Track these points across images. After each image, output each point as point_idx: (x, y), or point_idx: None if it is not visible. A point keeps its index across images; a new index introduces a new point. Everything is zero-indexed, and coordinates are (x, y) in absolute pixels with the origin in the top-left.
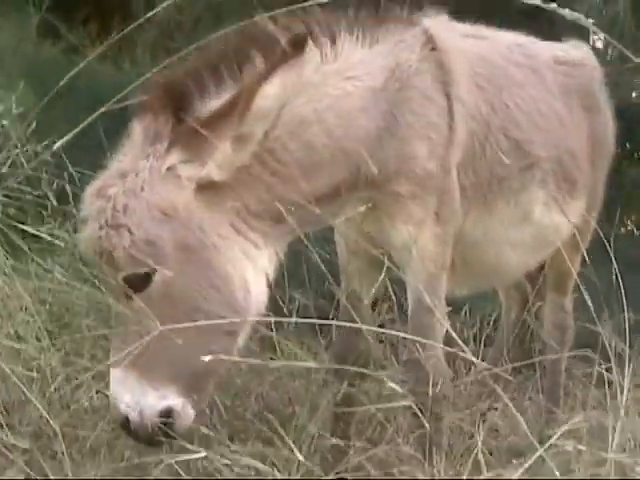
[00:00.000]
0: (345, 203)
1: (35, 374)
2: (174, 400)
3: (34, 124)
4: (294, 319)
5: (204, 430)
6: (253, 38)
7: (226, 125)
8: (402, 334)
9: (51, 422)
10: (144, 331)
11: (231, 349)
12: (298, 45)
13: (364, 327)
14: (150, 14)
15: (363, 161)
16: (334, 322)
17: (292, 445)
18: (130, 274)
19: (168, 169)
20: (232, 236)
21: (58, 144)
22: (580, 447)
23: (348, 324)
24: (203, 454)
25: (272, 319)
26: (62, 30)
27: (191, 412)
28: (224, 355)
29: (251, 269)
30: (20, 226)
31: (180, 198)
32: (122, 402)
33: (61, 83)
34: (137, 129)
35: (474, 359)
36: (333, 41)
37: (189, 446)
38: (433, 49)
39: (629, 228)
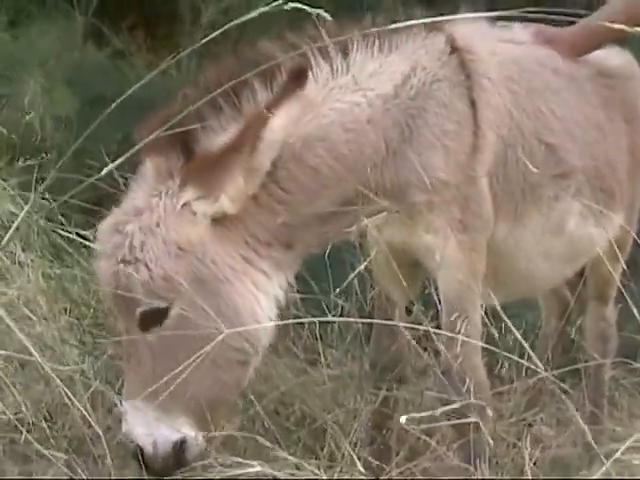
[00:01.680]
0: (360, 215)
1: (79, 377)
2: (187, 431)
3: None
4: (333, 319)
5: (259, 439)
6: (250, 62)
7: (237, 160)
8: (436, 330)
9: (94, 426)
10: (159, 364)
11: (243, 379)
12: (300, 76)
13: (399, 325)
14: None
15: (373, 175)
16: (369, 321)
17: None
18: (147, 309)
19: (183, 206)
20: (242, 267)
21: (107, 169)
22: None
23: (384, 322)
24: (258, 468)
25: (313, 320)
26: (108, 35)
27: (202, 441)
28: (236, 385)
29: (261, 299)
30: (63, 230)
31: (195, 233)
32: (136, 433)
33: (126, 94)
34: (149, 167)
35: (523, 362)
36: (345, 53)
37: (242, 460)
38: (455, 54)
39: None
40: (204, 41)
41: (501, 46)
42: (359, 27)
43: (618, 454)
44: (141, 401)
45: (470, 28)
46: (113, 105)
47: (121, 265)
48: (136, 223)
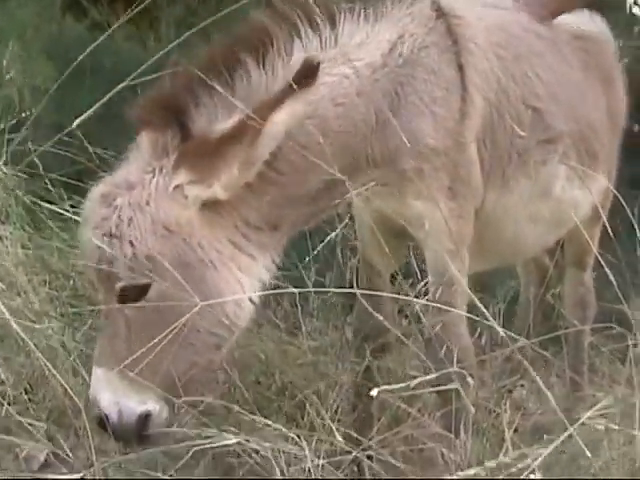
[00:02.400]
0: (349, 188)
1: (59, 349)
2: (153, 405)
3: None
4: (313, 289)
5: (236, 408)
6: (242, 39)
7: (234, 151)
8: (422, 301)
9: (74, 397)
10: (134, 338)
11: (216, 361)
12: (309, 73)
13: (382, 295)
14: None
15: (364, 147)
16: (353, 290)
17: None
18: (127, 285)
19: (175, 187)
20: (230, 252)
21: (77, 122)
22: (611, 426)
23: (368, 292)
24: (235, 440)
25: (294, 290)
26: (87, 7)
27: (166, 416)
28: (208, 366)
29: (245, 283)
30: (42, 203)
31: (184, 216)
32: (103, 400)
33: (81, 57)
34: (144, 141)
35: (502, 331)
36: (333, 24)
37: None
38: (442, 20)
39: None
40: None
41: (486, 11)
42: None
43: (584, 419)
44: (112, 370)
45: None
46: (71, 67)
47: (106, 238)
48: (126, 197)
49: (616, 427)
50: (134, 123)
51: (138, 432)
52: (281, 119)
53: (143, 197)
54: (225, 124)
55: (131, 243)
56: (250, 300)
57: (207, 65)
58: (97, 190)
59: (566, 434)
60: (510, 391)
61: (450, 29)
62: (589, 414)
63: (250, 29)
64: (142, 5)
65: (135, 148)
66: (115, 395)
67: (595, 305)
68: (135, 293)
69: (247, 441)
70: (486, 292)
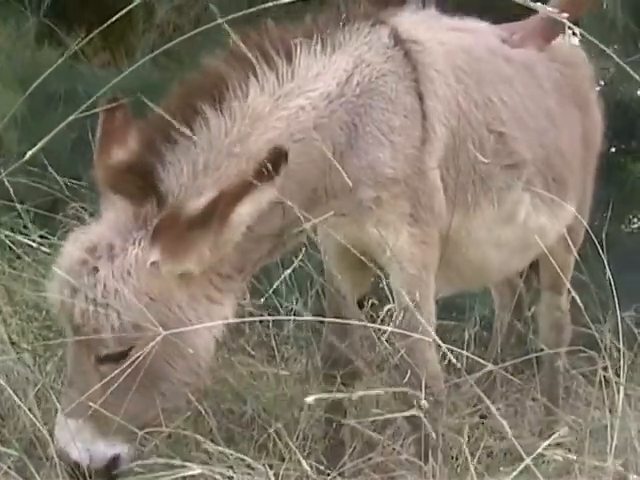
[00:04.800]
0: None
1: (30, 379)
2: (122, 448)
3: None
4: (286, 317)
5: (201, 439)
6: (196, 87)
7: (203, 235)
8: (388, 328)
9: (42, 430)
10: (106, 391)
11: (184, 404)
12: (277, 161)
13: (350, 323)
14: None
15: (322, 182)
16: (318, 318)
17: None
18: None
19: (152, 264)
20: (205, 307)
21: (30, 153)
22: (570, 456)
23: (337, 321)
24: (198, 470)
25: (267, 318)
26: (62, 36)
27: (133, 453)
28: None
29: (215, 329)
30: (8, 234)
31: (163, 285)
32: (74, 450)
33: (36, 83)
34: (122, 209)
35: (467, 355)
36: (289, 59)
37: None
38: (399, 47)
39: (635, 225)
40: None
41: (450, 35)
42: (302, 29)
43: (540, 450)
44: (81, 420)
45: (416, 18)
46: (27, 93)
47: (91, 307)
48: (109, 267)
49: (574, 457)
50: (104, 185)
51: (109, 473)
52: (246, 212)
53: (125, 268)
54: (195, 204)
55: (118, 313)
56: (217, 340)
57: (164, 120)
58: (73, 251)
59: (522, 466)
60: (484, 416)
61: (409, 56)
62: (544, 445)
63: (203, 76)
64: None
65: (107, 209)
66: (85, 443)
67: (570, 328)
68: (117, 356)
69: (211, 471)
70: (461, 316)
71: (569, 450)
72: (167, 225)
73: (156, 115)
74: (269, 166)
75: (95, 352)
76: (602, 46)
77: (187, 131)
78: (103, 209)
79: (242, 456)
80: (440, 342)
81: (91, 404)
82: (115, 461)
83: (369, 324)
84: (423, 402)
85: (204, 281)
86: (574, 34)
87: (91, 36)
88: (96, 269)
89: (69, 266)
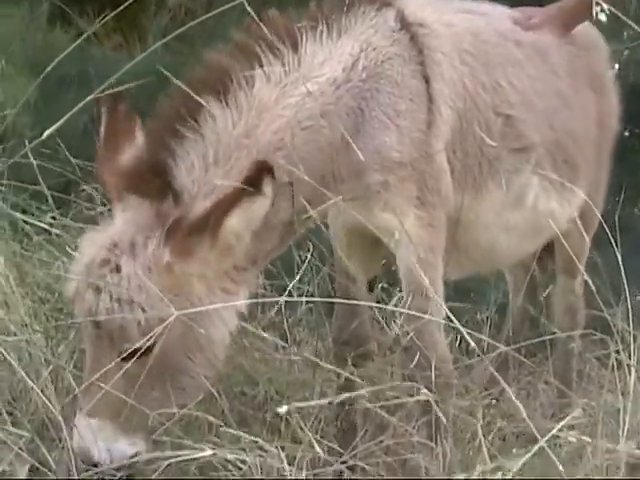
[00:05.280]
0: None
1: (43, 361)
2: (142, 446)
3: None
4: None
5: (213, 421)
6: (200, 81)
7: (199, 244)
8: (397, 309)
9: (54, 411)
10: (131, 388)
11: (197, 398)
12: (257, 177)
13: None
14: None
15: (330, 168)
16: (332, 300)
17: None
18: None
19: (166, 263)
20: (221, 299)
21: (46, 133)
22: (585, 438)
23: (346, 302)
24: (210, 452)
25: (276, 299)
26: (74, 18)
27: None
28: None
29: (230, 321)
30: (20, 215)
31: (184, 279)
32: (96, 450)
33: (50, 66)
34: (140, 207)
35: (471, 342)
36: (295, 47)
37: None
38: (406, 30)
39: None
40: None
41: (458, 17)
42: (306, 15)
43: (554, 431)
44: (103, 419)
45: (422, 0)
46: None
47: (116, 304)
48: (131, 264)
49: (589, 439)
50: (115, 187)
51: (127, 469)
52: (235, 222)
53: (146, 264)
54: (198, 209)
55: (142, 309)
56: (231, 332)
57: (171, 115)
58: (94, 251)
59: (536, 447)
60: (497, 399)
61: (415, 39)
62: (559, 426)
63: (207, 69)
64: (117, 11)
65: (125, 209)
66: (106, 442)
67: (584, 311)
68: (139, 351)
69: (223, 453)
70: (474, 299)
71: (582, 433)
72: (174, 228)
73: (161, 111)
74: (251, 181)
75: (119, 348)
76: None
77: (194, 124)
78: (117, 210)
79: (254, 438)
80: (456, 321)
81: (110, 401)
82: (134, 457)
83: (377, 305)
84: (423, 390)
85: (221, 273)
86: (602, 11)
87: (105, 19)
88: (119, 267)
89: (90, 265)
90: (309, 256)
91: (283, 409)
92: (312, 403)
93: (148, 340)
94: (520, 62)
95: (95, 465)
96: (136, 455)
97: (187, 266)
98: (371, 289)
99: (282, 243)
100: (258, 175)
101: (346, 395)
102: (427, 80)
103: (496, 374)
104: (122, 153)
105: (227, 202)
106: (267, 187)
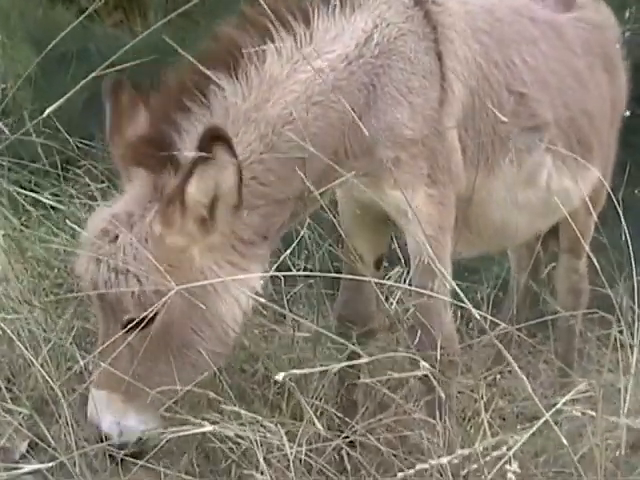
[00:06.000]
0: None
1: (42, 336)
2: (153, 423)
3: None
4: (299, 273)
5: (213, 397)
6: (210, 55)
7: (172, 214)
8: (404, 286)
9: (54, 387)
10: (137, 362)
11: (206, 372)
12: (209, 143)
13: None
14: None
15: (342, 143)
16: (337, 275)
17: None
18: (134, 317)
19: (159, 235)
20: (228, 273)
21: (48, 111)
22: (589, 412)
23: (352, 277)
24: (210, 427)
25: (278, 274)
26: None
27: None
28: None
29: (242, 298)
30: (21, 191)
31: (181, 252)
32: (104, 422)
33: (52, 44)
34: (142, 179)
35: (478, 316)
36: (307, 22)
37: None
38: (420, 7)
39: None
40: None
41: None
42: None
43: (559, 405)
44: (113, 392)
45: None
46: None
47: (112, 274)
48: (127, 234)
49: (593, 413)
50: (124, 161)
51: (137, 445)
52: (195, 190)
53: (142, 235)
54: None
55: (138, 279)
56: (245, 312)
57: (179, 88)
58: (96, 223)
59: (541, 421)
60: (495, 378)
61: (428, 16)
62: (564, 400)
63: (217, 43)
64: None
65: (131, 182)
66: (115, 416)
67: (588, 291)
68: (141, 323)
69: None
70: (476, 278)
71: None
72: (164, 200)
73: (167, 85)
74: (202, 148)
75: (120, 320)
76: None
77: (202, 98)
78: (126, 184)
79: (254, 415)
80: (465, 299)
81: (119, 373)
82: (144, 435)
83: (385, 282)
84: (423, 364)
85: (226, 247)
86: None
87: None
88: (116, 237)
89: (94, 237)
90: (303, 231)
91: (280, 376)
92: (314, 370)
93: (146, 312)
94: (535, 39)
95: (105, 438)
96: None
97: (174, 238)
98: (378, 268)
99: (292, 218)
100: (207, 141)
101: (346, 363)
102: (440, 57)
103: (503, 349)
104: (128, 130)
105: (186, 171)
106: (221, 153)
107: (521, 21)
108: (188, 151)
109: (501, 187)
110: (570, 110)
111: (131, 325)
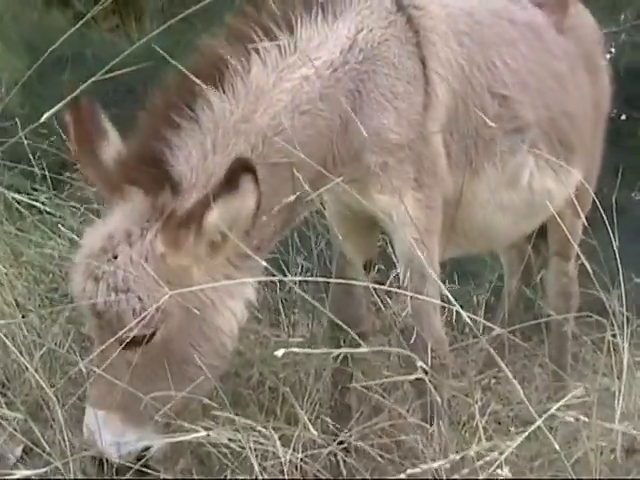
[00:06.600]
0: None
1: (37, 341)
2: (151, 440)
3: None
4: (292, 278)
5: (208, 402)
6: (196, 70)
7: (186, 237)
8: (395, 290)
9: (49, 391)
10: (135, 380)
11: (209, 389)
12: (236, 175)
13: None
14: None
15: (330, 150)
16: (326, 280)
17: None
18: (135, 335)
19: (161, 254)
20: (225, 287)
21: (45, 116)
22: (582, 418)
23: (344, 282)
24: (203, 433)
25: (272, 278)
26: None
27: (163, 444)
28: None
29: (238, 310)
30: (16, 195)
31: (182, 269)
32: (103, 442)
33: (50, 50)
34: (139, 199)
35: (469, 321)
36: (290, 30)
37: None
38: (402, 12)
39: None
40: None
41: None
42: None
43: (552, 411)
44: (111, 411)
45: None
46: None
47: (113, 293)
48: (127, 253)
49: (586, 419)
50: (107, 181)
51: (138, 461)
52: (216, 217)
53: (143, 254)
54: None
55: (139, 298)
56: (241, 323)
57: (165, 105)
58: (93, 241)
59: (533, 427)
60: (489, 382)
61: (410, 20)
62: (557, 406)
63: (202, 57)
64: None
65: (121, 201)
66: (114, 435)
67: (578, 294)
68: (141, 340)
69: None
70: (471, 282)
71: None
72: (169, 219)
73: (154, 102)
74: (228, 178)
75: (119, 338)
76: None
77: (190, 113)
78: (114, 203)
79: (249, 421)
80: (455, 302)
81: (117, 395)
82: (145, 451)
83: (375, 285)
84: (420, 363)
85: (223, 260)
86: None
87: (104, 1)
88: (115, 256)
89: (89, 256)
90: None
91: (280, 352)
92: (315, 351)
93: (146, 329)
94: (514, 41)
95: (105, 458)
96: (147, 449)
97: (179, 258)
98: (367, 270)
99: (283, 227)
100: (235, 172)
101: (346, 350)
102: (423, 62)
103: (494, 354)
104: (100, 149)
105: (207, 198)
106: (246, 184)
107: (500, 23)
108: (190, 170)
109: (485, 189)
110: (551, 111)
111: (130, 343)
